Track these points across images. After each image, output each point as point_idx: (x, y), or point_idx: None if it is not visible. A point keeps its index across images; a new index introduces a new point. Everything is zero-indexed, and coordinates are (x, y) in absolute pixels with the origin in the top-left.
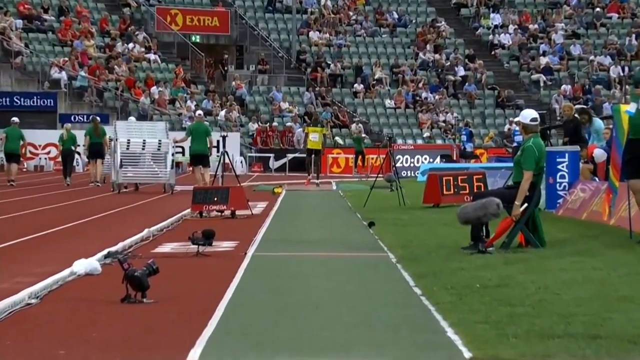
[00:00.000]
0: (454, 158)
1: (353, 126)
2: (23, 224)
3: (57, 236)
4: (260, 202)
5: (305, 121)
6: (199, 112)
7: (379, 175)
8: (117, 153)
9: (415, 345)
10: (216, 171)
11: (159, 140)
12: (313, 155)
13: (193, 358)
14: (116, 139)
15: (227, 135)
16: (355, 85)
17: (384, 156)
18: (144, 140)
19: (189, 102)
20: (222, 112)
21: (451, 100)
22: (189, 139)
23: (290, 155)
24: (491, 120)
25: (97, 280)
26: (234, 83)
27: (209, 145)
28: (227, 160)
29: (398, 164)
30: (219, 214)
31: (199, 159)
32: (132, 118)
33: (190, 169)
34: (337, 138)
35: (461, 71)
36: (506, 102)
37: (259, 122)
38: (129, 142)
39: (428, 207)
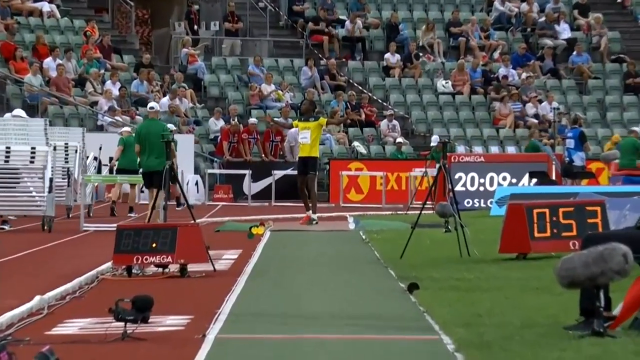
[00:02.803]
0: (553, 177)
1: (382, 123)
2: None
3: None
4: (229, 251)
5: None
6: (152, 104)
7: (427, 205)
8: None
9: None
10: (154, 202)
11: (32, 148)
12: (310, 173)
13: None
14: None
15: (173, 140)
16: (387, 56)
17: (435, 174)
18: (8, 148)
19: (108, 83)
20: (165, 100)
21: (548, 80)
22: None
23: (278, 173)
24: (616, 113)
25: None
26: (184, 52)
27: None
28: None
29: (458, 187)
30: (160, 270)
31: (154, 177)
32: (19, 111)
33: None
34: (356, 144)
35: (565, 32)
36: None
37: (229, 119)
38: None
39: (508, 258)
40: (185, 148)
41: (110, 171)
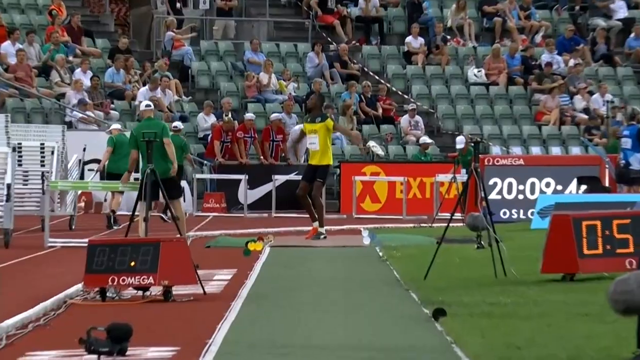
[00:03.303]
0: (606, 183)
1: (402, 120)
2: None
3: None
4: (222, 271)
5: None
6: (146, 102)
7: (456, 216)
8: None
9: None
10: (133, 211)
11: None
12: (317, 180)
13: None
14: None
15: (155, 140)
16: (409, 39)
17: (465, 179)
18: None
19: (78, 71)
20: (143, 91)
21: (600, 68)
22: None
23: (279, 178)
24: None
25: None
26: (167, 35)
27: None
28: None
29: (493, 195)
30: (140, 293)
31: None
32: None
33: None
34: (371, 144)
35: (621, 10)
36: None
37: (221, 114)
38: None
39: (552, 279)
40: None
41: (101, 177)
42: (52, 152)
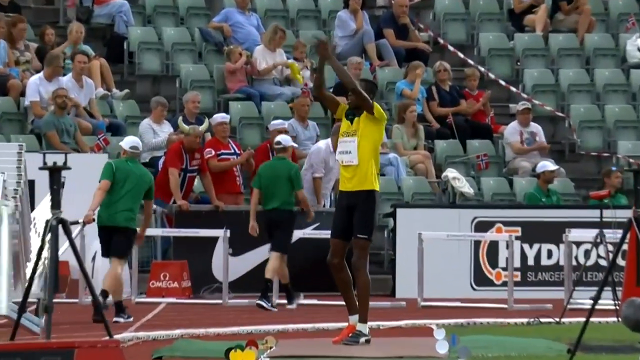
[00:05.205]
0: None
1: (508, 130)
2: None
3: None
4: None
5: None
6: (132, 142)
7: (602, 302)
8: None
9: None
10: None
11: None
12: (357, 236)
13: None
14: None
15: (65, 166)
16: None
17: (620, 237)
18: None
19: None
20: (37, 78)
21: None
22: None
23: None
24: None
25: None
26: None
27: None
28: (60, 253)
29: None
30: None
31: (113, 239)
32: None
33: None
34: (451, 174)
35: None
36: None
37: (182, 121)
38: None
39: None
40: (87, 182)
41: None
42: None
